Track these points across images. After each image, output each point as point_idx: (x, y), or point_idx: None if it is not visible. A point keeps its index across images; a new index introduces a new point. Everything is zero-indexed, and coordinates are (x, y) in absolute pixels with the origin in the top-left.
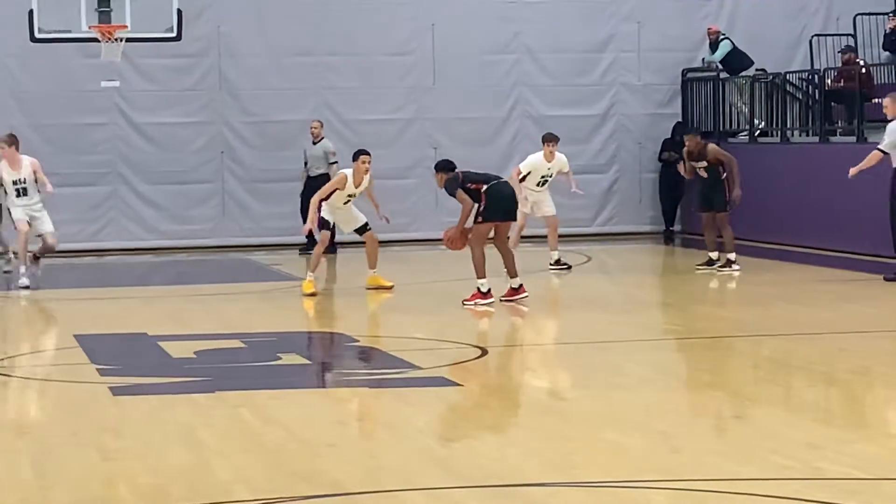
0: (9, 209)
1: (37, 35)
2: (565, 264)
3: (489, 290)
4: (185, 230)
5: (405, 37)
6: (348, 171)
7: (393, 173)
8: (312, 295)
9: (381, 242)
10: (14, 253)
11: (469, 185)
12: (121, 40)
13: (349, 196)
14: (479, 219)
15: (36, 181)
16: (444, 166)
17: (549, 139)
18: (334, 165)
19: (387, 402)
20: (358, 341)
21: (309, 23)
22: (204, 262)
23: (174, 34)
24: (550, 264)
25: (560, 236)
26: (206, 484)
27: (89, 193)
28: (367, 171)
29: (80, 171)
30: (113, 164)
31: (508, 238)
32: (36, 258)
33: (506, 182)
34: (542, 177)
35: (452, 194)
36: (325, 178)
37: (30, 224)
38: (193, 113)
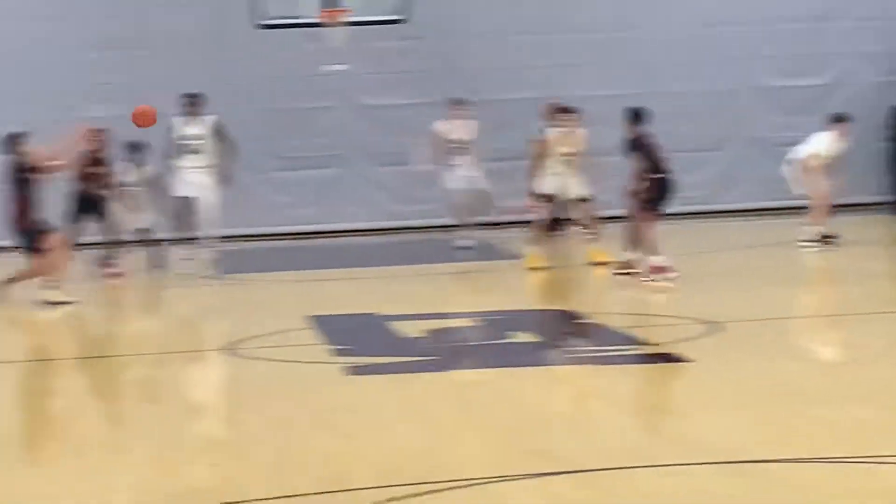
0: None
1: (264, 21)
2: (831, 236)
3: (666, 265)
4: (411, 211)
5: (628, 12)
6: (552, 132)
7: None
8: (539, 269)
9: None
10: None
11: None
12: (347, 24)
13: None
14: (647, 205)
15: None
16: (629, 115)
17: (841, 119)
18: None
19: (616, 379)
20: (586, 318)
21: (535, 0)
22: (429, 241)
23: (399, 16)
24: (810, 239)
25: (786, 209)
26: (440, 462)
27: (317, 176)
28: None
29: (308, 155)
30: (340, 146)
31: None
32: None
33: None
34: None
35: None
36: None
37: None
38: (418, 94)
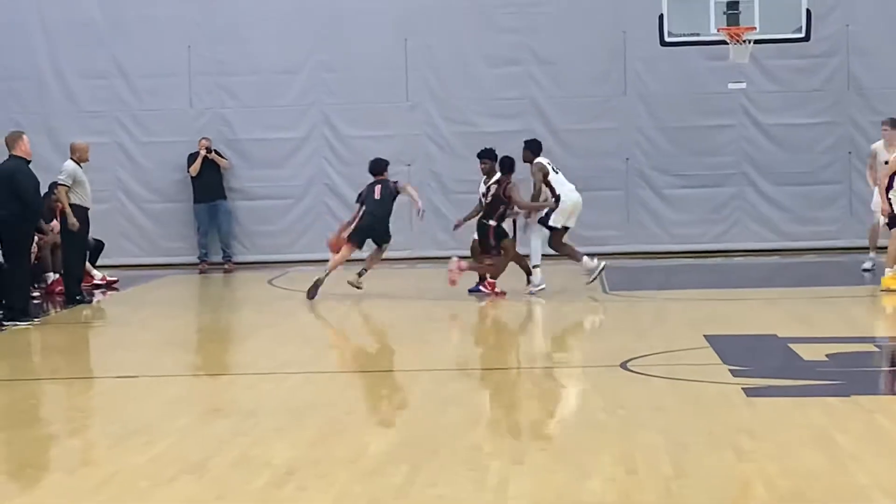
0: None
1: (666, 39)
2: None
3: None
4: (810, 231)
5: None
6: None
7: None
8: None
9: None
10: None
11: None
12: (749, 42)
13: None
14: None
15: None
16: None
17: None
18: None
19: None
20: None
21: None
22: (830, 263)
23: (802, 34)
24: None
25: None
26: (844, 489)
27: (714, 195)
28: None
29: (705, 173)
30: (738, 165)
31: None
32: None
33: None
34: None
35: None
36: None
37: None
38: (819, 113)
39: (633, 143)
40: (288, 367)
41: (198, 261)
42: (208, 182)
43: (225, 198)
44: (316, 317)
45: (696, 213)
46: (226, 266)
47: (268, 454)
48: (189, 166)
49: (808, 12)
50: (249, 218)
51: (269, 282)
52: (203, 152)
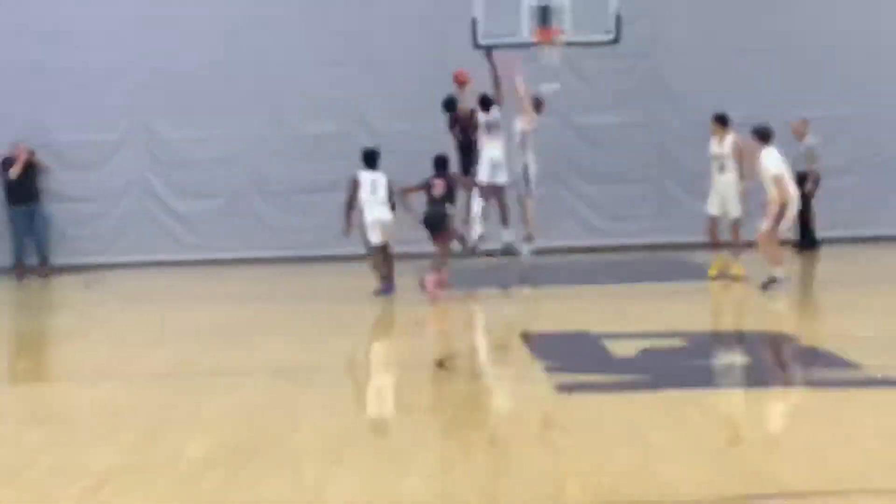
0: None
1: (479, 42)
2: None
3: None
4: (622, 229)
5: (837, 27)
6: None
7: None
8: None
9: None
10: None
11: None
12: (560, 44)
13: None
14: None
15: None
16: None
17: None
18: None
19: (832, 403)
20: (800, 340)
21: (747, 20)
22: (642, 260)
23: (612, 37)
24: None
25: None
26: (654, 483)
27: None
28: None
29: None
30: (552, 164)
31: None
32: None
33: None
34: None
35: None
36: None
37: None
38: (631, 114)
39: (450, 145)
40: (104, 372)
41: (13, 265)
42: (23, 185)
43: (40, 201)
44: (133, 320)
45: (511, 213)
46: (42, 270)
47: (84, 461)
48: (1, 170)
49: (618, 17)
50: (66, 221)
51: (86, 285)
52: (25, 156)
